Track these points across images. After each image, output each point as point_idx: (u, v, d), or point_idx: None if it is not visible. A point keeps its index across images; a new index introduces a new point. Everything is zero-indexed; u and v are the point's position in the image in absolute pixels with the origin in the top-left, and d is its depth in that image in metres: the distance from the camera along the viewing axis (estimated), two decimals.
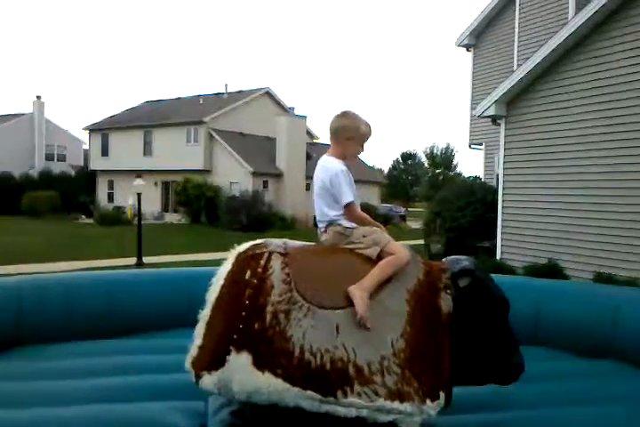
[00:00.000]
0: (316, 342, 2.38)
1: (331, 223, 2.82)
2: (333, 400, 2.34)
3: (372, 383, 2.35)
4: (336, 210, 2.79)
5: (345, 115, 2.89)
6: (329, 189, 2.78)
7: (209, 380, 2.51)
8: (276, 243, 2.73)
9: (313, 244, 2.94)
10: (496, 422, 3.09)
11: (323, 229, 2.88)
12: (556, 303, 4.91)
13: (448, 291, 2.68)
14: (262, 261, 2.59)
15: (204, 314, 2.63)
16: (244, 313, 2.47)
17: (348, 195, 2.75)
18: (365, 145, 2.96)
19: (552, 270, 8.36)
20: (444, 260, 2.93)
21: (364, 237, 2.75)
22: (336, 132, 2.87)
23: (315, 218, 2.97)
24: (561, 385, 3.79)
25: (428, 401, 2.44)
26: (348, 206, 2.78)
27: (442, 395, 2.52)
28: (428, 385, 2.47)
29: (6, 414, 2.99)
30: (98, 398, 3.27)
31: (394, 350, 2.43)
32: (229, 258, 2.73)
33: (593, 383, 3.85)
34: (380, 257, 2.67)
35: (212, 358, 2.51)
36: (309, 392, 2.34)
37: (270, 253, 2.63)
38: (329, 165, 2.82)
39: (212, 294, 2.63)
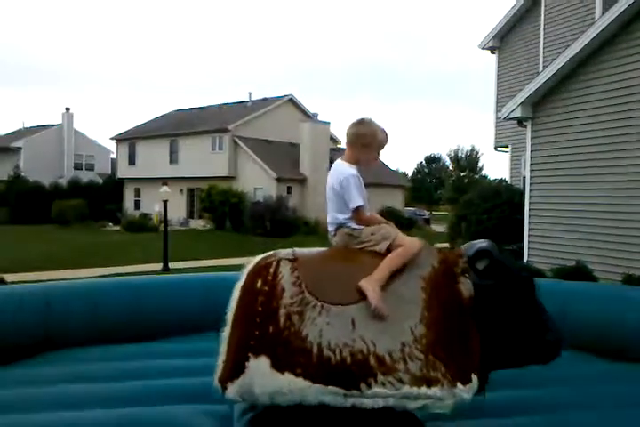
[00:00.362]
0: (334, 338, 2.39)
1: (340, 226, 2.86)
2: (357, 393, 2.33)
3: (395, 371, 2.35)
4: (346, 213, 2.83)
5: (362, 122, 2.92)
6: (339, 193, 2.81)
7: (231, 388, 2.52)
8: (284, 251, 2.77)
9: (323, 248, 2.95)
10: (525, 425, 3.05)
11: (333, 233, 2.92)
12: (585, 305, 4.82)
13: (466, 275, 2.67)
14: (272, 269, 2.64)
15: (225, 331, 2.67)
16: (258, 319, 2.52)
17: (357, 199, 2.77)
18: (381, 152, 2.98)
19: (580, 273, 8.19)
20: (461, 246, 2.93)
21: (372, 234, 2.77)
22: (352, 138, 2.91)
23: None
24: (589, 389, 3.72)
25: (459, 384, 2.43)
26: (357, 210, 2.80)
27: (474, 378, 2.51)
28: (457, 368, 2.46)
29: (35, 417, 3.05)
30: (124, 401, 3.31)
31: (414, 336, 2.43)
32: (243, 273, 2.77)
33: (622, 387, 3.78)
34: (390, 251, 2.69)
35: (233, 368, 2.53)
36: (332, 388, 2.34)
37: (279, 261, 2.67)
38: (340, 169, 2.86)
39: (230, 310, 2.68)
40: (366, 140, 2.86)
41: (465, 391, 2.44)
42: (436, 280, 2.62)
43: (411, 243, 2.68)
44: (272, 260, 2.70)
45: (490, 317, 2.64)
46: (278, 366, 2.40)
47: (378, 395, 2.33)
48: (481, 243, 2.82)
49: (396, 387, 2.33)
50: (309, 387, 2.34)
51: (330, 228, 2.92)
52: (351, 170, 2.83)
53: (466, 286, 2.64)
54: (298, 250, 2.81)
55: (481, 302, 2.63)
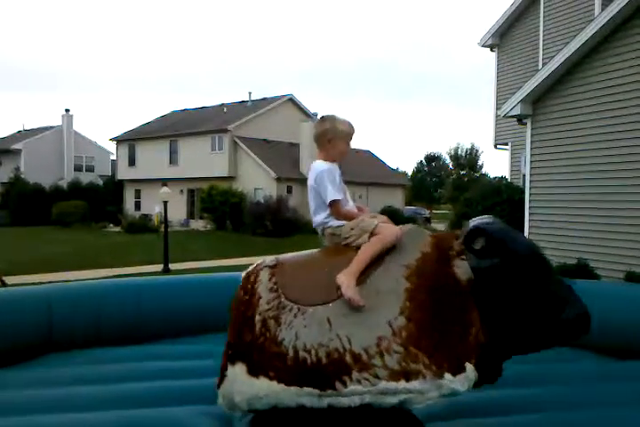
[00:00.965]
0: (310, 340, 2.36)
1: (324, 228, 2.86)
2: (333, 392, 2.30)
3: (371, 367, 2.29)
4: (324, 211, 2.83)
5: (322, 119, 2.97)
6: (316, 189, 2.84)
7: (219, 398, 2.58)
8: (269, 258, 2.79)
9: (308, 251, 2.95)
10: (525, 424, 3.04)
11: (322, 236, 2.93)
12: (587, 303, 4.80)
13: (462, 257, 2.53)
14: (252, 278, 2.68)
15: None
16: (238, 329, 2.57)
17: (331, 193, 2.77)
18: (350, 142, 3.00)
19: (581, 270, 8.18)
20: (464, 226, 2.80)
21: (352, 229, 2.75)
22: (318, 137, 2.95)
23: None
24: (590, 387, 3.71)
25: (448, 375, 2.32)
26: (333, 204, 2.79)
27: (469, 367, 2.38)
28: (446, 358, 2.35)
29: (37, 419, 3.05)
30: (127, 402, 3.31)
31: (392, 329, 2.34)
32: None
33: (622, 385, 3.76)
34: None
35: (220, 377, 2.60)
36: (307, 389, 2.33)
37: (260, 269, 2.71)
38: (315, 167, 2.90)
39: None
40: (329, 135, 2.89)
41: (456, 382, 2.34)
42: (425, 267, 2.52)
43: (388, 230, 2.63)
44: (256, 268, 2.74)
45: (493, 300, 2.47)
46: (254, 371, 2.42)
47: (353, 393, 2.28)
48: (478, 220, 2.67)
49: (372, 383, 2.27)
50: (284, 390, 2.35)
51: (318, 231, 2.93)
52: (324, 166, 2.85)
53: (462, 270, 2.51)
54: (285, 255, 2.83)
55: (482, 284, 2.48)
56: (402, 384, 2.27)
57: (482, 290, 2.49)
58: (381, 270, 2.52)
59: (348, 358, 2.30)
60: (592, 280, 7.27)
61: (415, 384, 2.27)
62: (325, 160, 2.90)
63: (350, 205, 2.91)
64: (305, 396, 2.33)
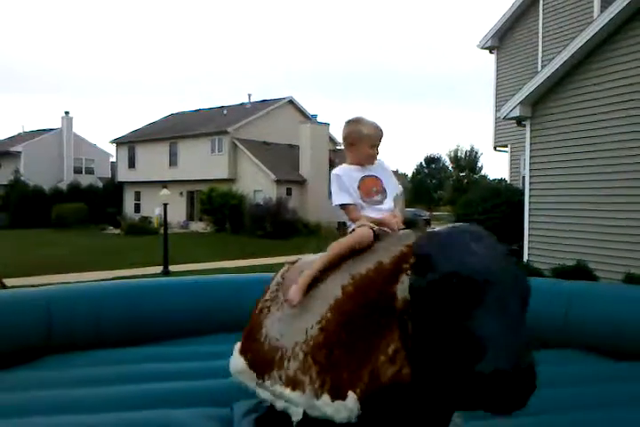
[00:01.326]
0: (274, 332, 2.56)
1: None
2: (261, 383, 2.52)
3: (280, 369, 2.41)
4: (345, 216, 2.83)
5: (348, 123, 2.89)
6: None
7: None
8: (295, 257, 3.03)
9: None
10: (526, 426, 3.04)
11: None
12: (586, 305, 4.81)
13: (408, 273, 2.12)
14: (275, 273, 2.97)
15: None
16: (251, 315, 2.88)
17: (336, 197, 2.74)
18: (377, 146, 2.83)
19: (580, 272, 8.18)
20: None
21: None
22: (343, 140, 2.91)
23: (338, 224, 3.04)
24: (589, 389, 3.71)
25: (325, 397, 2.17)
26: (342, 209, 2.74)
27: (350, 397, 2.12)
28: (333, 379, 2.18)
29: (36, 420, 3.04)
30: (126, 404, 3.31)
31: (307, 336, 2.34)
32: None
33: (621, 386, 3.76)
34: None
35: None
36: (254, 375, 2.58)
37: (284, 266, 2.96)
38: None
39: None
40: (352, 138, 2.82)
41: (331, 408, 2.14)
42: (370, 278, 2.26)
43: (354, 233, 2.53)
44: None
45: (415, 329, 2.00)
46: (242, 350, 2.77)
47: (264, 388, 2.49)
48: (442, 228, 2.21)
49: (273, 383, 2.43)
50: (245, 371, 2.65)
51: None
52: (336, 171, 2.79)
53: (403, 287, 2.11)
54: (309, 255, 2.95)
55: (413, 307, 2.01)
56: (286, 392, 2.33)
57: (412, 314, 2.03)
58: (332, 276, 2.45)
59: (277, 355, 2.46)
60: (591, 282, 7.28)
61: (296, 395, 2.28)
62: (350, 164, 2.83)
63: (386, 208, 2.74)
64: (251, 381, 2.60)
